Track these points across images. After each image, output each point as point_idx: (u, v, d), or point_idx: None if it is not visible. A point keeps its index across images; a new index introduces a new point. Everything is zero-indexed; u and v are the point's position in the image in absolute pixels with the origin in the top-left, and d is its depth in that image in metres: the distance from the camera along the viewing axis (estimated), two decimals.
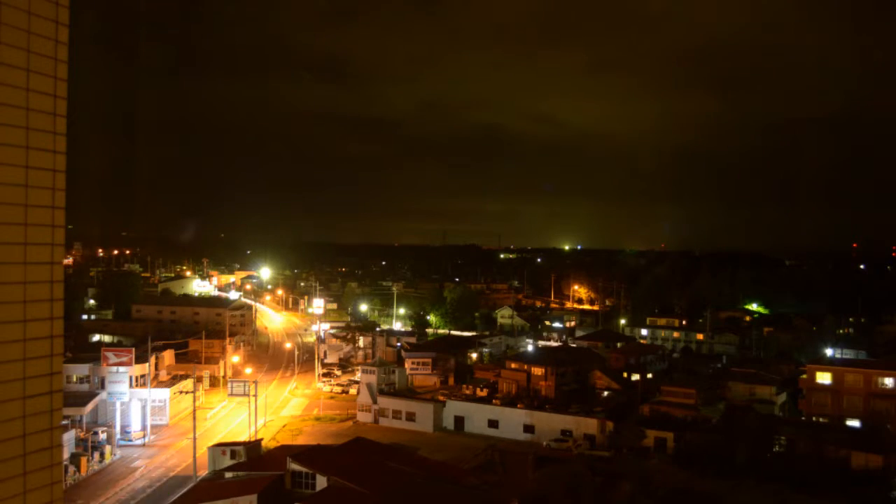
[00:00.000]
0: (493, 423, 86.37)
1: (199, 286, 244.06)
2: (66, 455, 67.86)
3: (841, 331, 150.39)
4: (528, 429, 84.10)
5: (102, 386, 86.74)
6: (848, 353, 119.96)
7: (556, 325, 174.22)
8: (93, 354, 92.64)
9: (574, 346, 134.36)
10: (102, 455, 74.97)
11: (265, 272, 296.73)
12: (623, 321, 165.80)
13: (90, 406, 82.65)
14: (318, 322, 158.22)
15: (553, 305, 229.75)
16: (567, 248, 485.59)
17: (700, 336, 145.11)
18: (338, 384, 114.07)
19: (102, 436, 78.13)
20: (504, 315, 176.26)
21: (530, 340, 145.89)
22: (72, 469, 68.81)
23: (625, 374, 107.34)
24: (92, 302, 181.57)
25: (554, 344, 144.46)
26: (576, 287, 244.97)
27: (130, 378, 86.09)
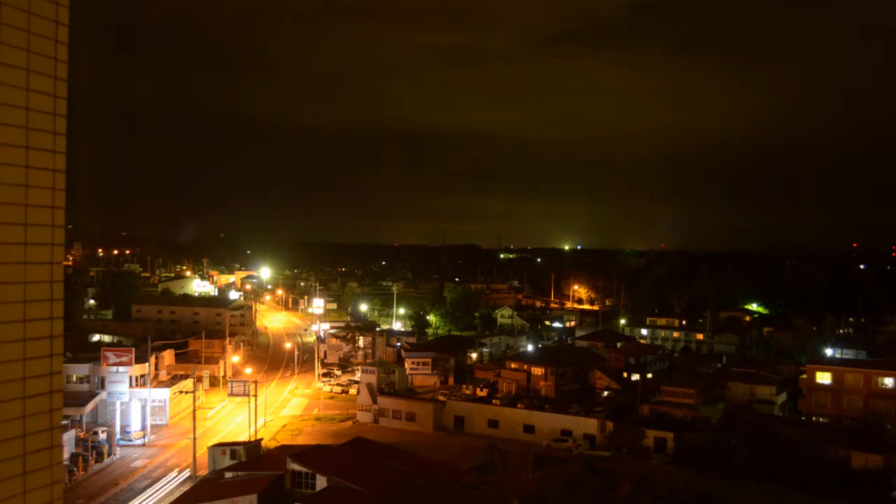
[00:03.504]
0: (493, 423, 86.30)
1: (199, 286, 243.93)
2: (66, 455, 67.85)
3: (841, 331, 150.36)
4: (528, 429, 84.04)
5: (102, 386, 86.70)
6: (848, 353, 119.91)
7: (556, 325, 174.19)
8: (93, 354, 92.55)
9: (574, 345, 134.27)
10: (102, 455, 74.94)
11: (265, 272, 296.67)
12: (623, 321, 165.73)
13: (90, 406, 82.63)
14: (318, 322, 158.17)
15: (553, 305, 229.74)
16: (567, 248, 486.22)
17: (700, 336, 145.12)
18: (338, 384, 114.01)
19: (102, 436, 78.08)
20: (504, 315, 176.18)
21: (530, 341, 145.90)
22: (72, 469, 68.77)
23: (625, 374, 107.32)
24: (92, 302, 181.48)
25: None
26: (576, 287, 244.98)
27: (130, 378, 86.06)
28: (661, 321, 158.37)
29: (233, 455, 66.61)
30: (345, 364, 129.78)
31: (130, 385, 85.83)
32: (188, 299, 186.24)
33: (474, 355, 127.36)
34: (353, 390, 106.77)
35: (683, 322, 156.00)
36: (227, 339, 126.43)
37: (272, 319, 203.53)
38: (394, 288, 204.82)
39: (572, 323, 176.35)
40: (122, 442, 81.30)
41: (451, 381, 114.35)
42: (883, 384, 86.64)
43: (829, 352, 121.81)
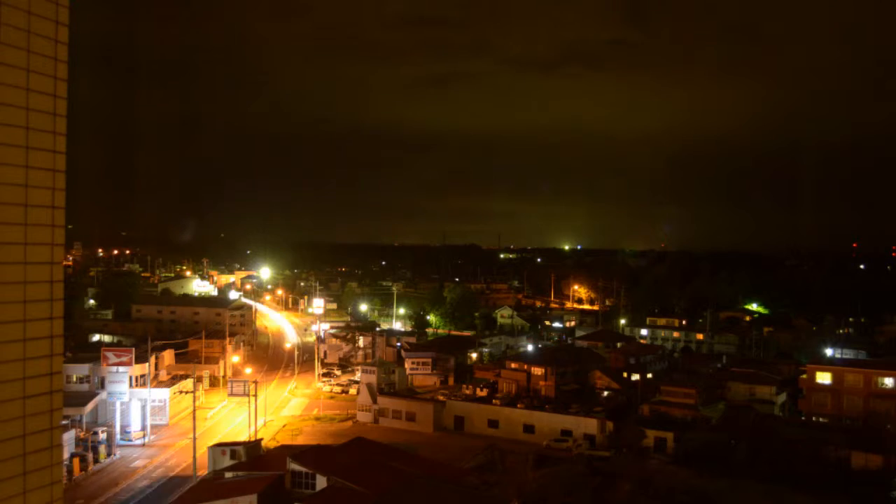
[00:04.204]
0: (493, 423, 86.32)
1: (199, 286, 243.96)
2: (66, 455, 67.84)
3: (841, 331, 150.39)
4: (528, 429, 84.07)
5: (102, 386, 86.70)
6: (848, 353, 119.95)
7: (556, 325, 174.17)
8: (93, 354, 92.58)
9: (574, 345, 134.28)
10: (101, 455, 74.91)
11: (265, 272, 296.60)
12: (623, 321, 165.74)
13: (90, 406, 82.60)
14: (318, 322, 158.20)
15: (553, 305, 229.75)
16: (567, 248, 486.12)
17: (700, 336, 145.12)
18: (338, 384, 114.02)
19: (102, 436, 78.08)
20: (504, 315, 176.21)
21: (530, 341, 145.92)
22: (72, 469, 68.77)
23: (625, 374, 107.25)
24: (92, 302, 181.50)
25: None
26: (576, 287, 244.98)
27: (130, 378, 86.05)
28: (661, 321, 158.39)
29: (233, 455, 66.60)
30: (345, 364, 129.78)
31: (130, 385, 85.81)
32: (188, 299, 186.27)
33: (474, 355, 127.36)
34: (353, 390, 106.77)
35: (683, 322, 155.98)
36: (227, 339, 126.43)
37: (272, 319, 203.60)
38: (394, 288, 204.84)
39: (572, 323, 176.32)
40: (122, 442, 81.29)
41: (451, 381, 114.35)
42: (883, 384, 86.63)
43: (829, 352, 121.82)
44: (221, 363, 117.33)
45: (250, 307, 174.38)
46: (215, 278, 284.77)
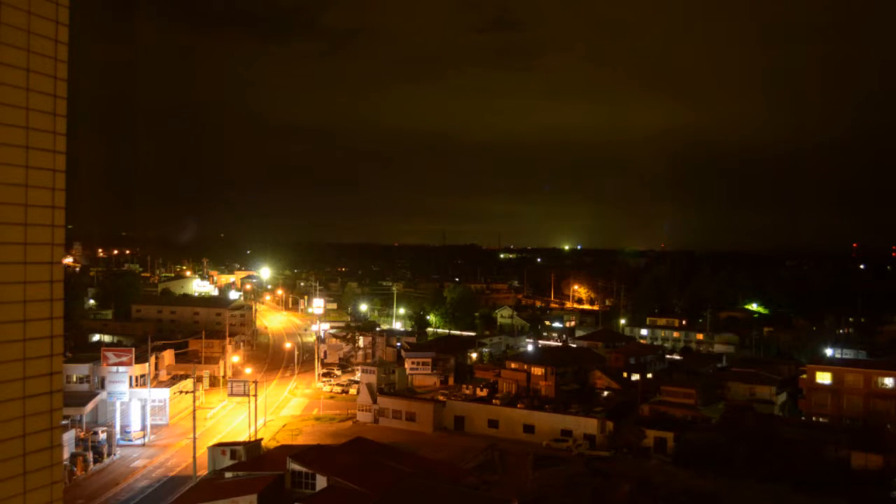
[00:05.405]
0: (493, 423, 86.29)
1: (199, 286, 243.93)
2: (66, 455, 67.82)
3: (841, 331, 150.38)
4: (528, 429, 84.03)
5: (102, 386, 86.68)
6: (848, 353, 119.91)
7: (556, 325, 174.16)
8: (93, 354, 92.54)
9: (574, 346, 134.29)
10: (102, 455, 74.92)
11: (265, 272, 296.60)
12: (623, 321, 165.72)
13: (90, 406, 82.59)
14: (318, 322, 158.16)
15: (553, 305, 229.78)
16: (567, 248, 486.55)
17: (700, 336, 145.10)
18: (338, 384, 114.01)
19: (102, 436, 78.06)
20: (504, 315, 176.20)
21: (530, 340, 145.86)
22: (71, 469, 68.76)
23: (625, 374, 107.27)
24: (92, 302, 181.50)
25: (553, 344, 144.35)
26: (576, 287, 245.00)
27: (130, 378, 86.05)
28: (661, 321, 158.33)
29: (233, 455, 66.62)
30: (345, 364, 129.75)
31: (130, 385, 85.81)
32: (188, 299, 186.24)
33: (474, 355, 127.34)
34: (353, 390, 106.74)
35: (683, 322, 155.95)
36: (227, 339, 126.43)
37: (272, 319, 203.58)
38: (394, 288, 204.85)
39: (572, 323, 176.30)
40: (122, 442, 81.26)
41: (451, 381, 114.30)
42: (883, 384, 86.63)
43: (829, 352, 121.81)
44: (221, 363, 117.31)
45: (250, 307, 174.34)
46: (215, 278, 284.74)
